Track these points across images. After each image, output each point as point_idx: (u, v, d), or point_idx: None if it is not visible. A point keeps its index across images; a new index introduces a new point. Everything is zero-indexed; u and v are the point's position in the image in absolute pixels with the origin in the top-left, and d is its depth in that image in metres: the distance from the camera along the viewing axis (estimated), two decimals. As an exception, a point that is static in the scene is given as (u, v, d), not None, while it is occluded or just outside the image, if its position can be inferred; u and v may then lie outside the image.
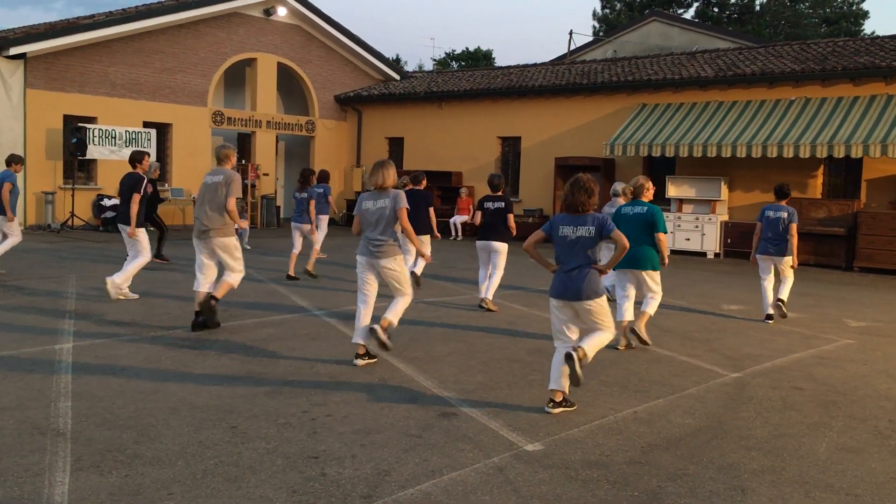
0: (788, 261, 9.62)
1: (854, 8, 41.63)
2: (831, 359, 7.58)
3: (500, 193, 9.98)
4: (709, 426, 5.31)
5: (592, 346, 5.48)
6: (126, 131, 19.06)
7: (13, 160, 11.29)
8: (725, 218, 17.80)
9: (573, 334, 5.54)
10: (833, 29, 39.56)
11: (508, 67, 25.37)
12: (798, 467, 4.59)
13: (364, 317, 6.75)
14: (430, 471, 4.32)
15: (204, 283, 8.05)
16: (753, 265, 10.00)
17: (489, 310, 9.69)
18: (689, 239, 17.68)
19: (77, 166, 19.14)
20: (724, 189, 17.85)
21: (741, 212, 17.96)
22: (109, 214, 18.57)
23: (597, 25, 43.28)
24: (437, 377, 6.31)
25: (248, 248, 16.24)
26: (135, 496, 3.87)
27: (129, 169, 10.08)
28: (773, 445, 4.95)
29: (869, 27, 48.23)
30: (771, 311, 9.66)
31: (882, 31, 51.18)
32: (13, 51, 17.80)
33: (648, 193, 7.86)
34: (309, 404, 5.47)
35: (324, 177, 14.21)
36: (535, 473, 4.33)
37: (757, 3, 41.81)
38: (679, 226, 17.79)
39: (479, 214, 10.08)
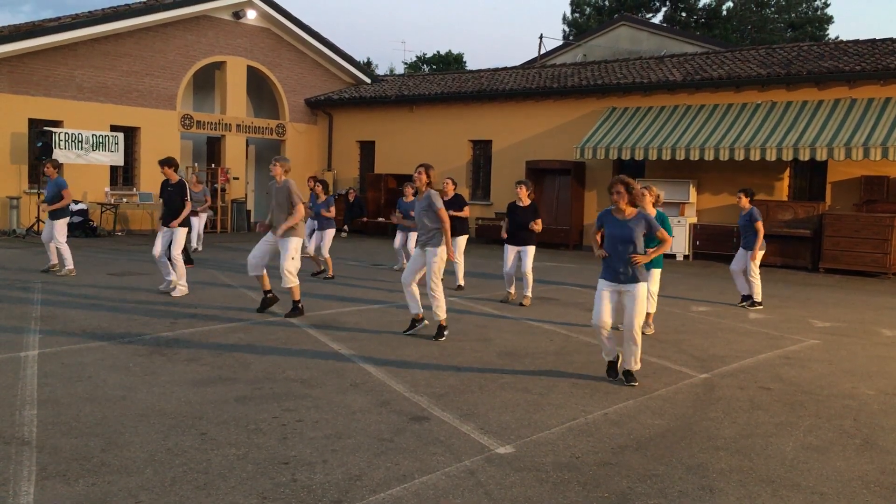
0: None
1: (819, 13, 42.33)
2: (797, 359, 7.69)
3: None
4: (678, 427, 5.36)
5: None
6: (93, 135, 18.82)
7: None
8: (694, 220, 17.98)
9: None
10: (798, 34, 40.18)
11: (479, 71, 25.44)
12: (765, 466, 4.65)
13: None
14: (401, 475, 4.31)
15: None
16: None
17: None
18: (658, 241, 17.81)
19: (43, 171, 18.84)
20: (693, 192, 18.05)
21: (710, 214, 18.16)
22: (76, 219, 18.31)
23: (567, 30, 43.56)
24: (409, 381, 6.30)
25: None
26: (102, 505, 3.82)
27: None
28: (741, 445, 5.01)
29: (833, 32, 49.14)
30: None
31: (846, 36, 52.02)
32: (-24, 53, 17.53)
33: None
34: (279, 410, 5.44)
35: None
36: (507, 476, 4.35)
37: (724, 7, 42.36)
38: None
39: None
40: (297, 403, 5.60)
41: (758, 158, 16.24)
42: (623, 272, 6.35)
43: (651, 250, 6.64)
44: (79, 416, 5.17)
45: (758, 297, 10.98)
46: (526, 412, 5.56)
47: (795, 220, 16.39)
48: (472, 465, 4.50)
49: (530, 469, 4.47)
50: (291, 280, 9.03)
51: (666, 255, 17.62)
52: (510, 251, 10.64)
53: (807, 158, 15.83)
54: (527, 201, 10.59)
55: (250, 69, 23.13)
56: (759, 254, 10.86)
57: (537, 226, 10.50)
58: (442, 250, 7.97)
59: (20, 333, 7.67)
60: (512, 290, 10.75)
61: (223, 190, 21.97)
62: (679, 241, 17.74)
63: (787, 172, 17.56)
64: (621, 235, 6.37)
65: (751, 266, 10.90)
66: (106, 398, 5.59)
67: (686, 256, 17.72)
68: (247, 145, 23.90)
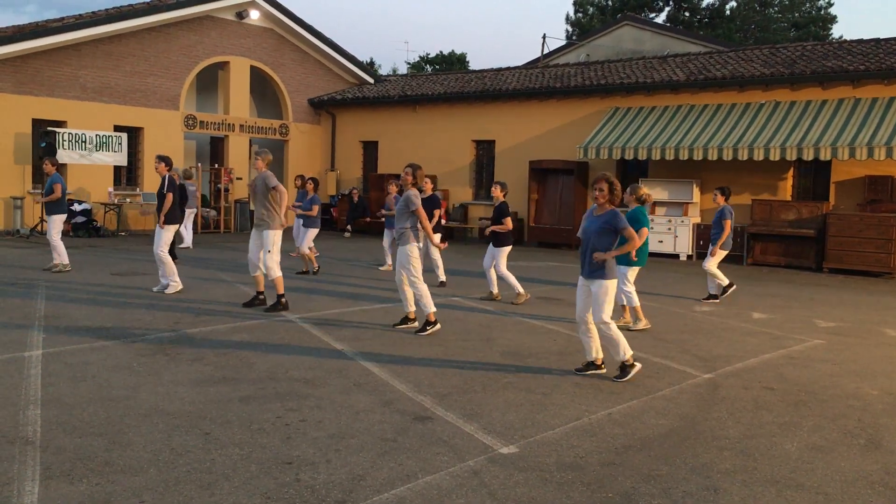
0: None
1: (822, 13, 42.26)
2: (801, 359, 7.67)
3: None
4: (682, 427, 5.35)
5: None
6: (97, 135, 18.84)
7: None
8: (698, 220, 17.96)
9: None
10: (802, 33, 40.12)
11: (482, 71, 25.44)
12: (769, 467, 4.64)
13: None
14: (404, 475, 4.31)
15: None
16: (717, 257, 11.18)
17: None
18: (661, 241, 17.82)
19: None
20: (696, 191, 18.03)
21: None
22: (80, 220, 18.34)
23: (570, 29, 43.54)
24: (412, 381, 6.30)
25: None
26: (106, 505, 3.82)
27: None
28: (745, 445, 5.00)
29: (837, 31, 49.01)
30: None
31: (849, 36, 51.97)
32: (-20, 54, 17.56)
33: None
34: (283, 409, 5.44)
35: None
36: (510, 476, 4.34)
37: (727, 7, 42.30)
38: (652, 228, 17.89)
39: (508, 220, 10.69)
40: (301, 403, 5.60)
41: (761, 158, 16.21)
42: (588, 266, 6.52)
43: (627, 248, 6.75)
44: (82, 415, 5.18)
45: (716, 290, 11.25)
46: (529, 412, 5.56)
47: (799, 219, 16.36)
48: (475, 465, 4.50)
49: (534, 469, 4.46)
50: (273, 271, 9.30)
51: (669, 255, 17.73)
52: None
53: (810, 158, 15.80)
54: (498, 200, 10.72)
55: (253, 69, 23.14)
56: (721, 252, 11.06)
57: (497, 228, 10.59)
58: (411, 248, 8.22)
59: (24, 333, 7.68)
60: (495, 290, 10.91)
61: (226, 190, 21.97)
62: (683, 241, 17.73)
63: (790, 172, 17.53)
64: (589, 230, 6.57)
65: (709, 259, 11.17)
66: (110, 398, 5.60)
67: (689, 256, 17.70)
68: (250, 145, 23.90)
